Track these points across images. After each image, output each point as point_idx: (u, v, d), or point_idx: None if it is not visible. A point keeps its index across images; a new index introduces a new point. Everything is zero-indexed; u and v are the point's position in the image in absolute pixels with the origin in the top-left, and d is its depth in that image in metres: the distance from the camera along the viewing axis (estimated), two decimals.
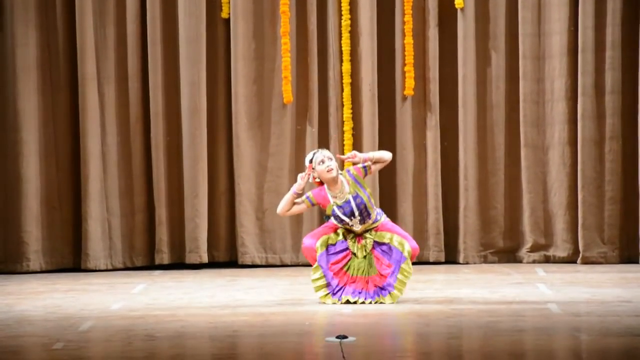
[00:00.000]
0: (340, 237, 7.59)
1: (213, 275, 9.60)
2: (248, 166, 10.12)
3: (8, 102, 9.94)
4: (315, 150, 7.64)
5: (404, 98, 10.17)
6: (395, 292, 7.50)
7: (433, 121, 10.16)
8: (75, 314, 7.18)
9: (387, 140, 10.16)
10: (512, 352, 5.81)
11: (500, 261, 10.14)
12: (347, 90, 10.09)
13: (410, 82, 10.12)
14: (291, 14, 10.06)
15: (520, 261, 10.12)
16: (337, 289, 7.52)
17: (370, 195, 7.58)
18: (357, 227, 7.57)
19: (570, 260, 10.05)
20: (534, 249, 10.10)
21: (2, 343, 6.12)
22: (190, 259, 10.05)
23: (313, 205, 7.60)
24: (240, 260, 10.11)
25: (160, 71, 10.04)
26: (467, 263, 10.11)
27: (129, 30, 10.03)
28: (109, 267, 10.02)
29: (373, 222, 7.62)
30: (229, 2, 10.09)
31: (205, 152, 10.07)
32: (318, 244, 7.56)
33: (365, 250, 7.58)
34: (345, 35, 10.07)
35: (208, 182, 10.09)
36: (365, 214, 7.55)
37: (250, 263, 10.10)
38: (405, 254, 7.53)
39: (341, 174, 7.61)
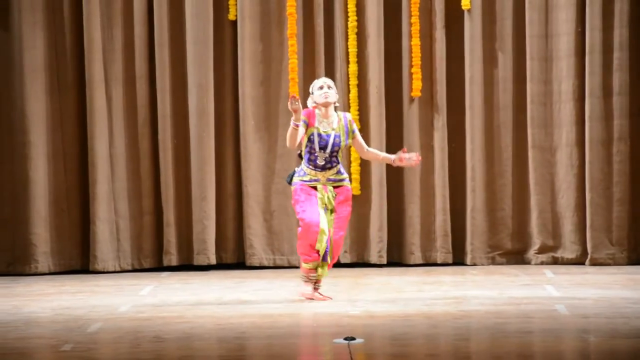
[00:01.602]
0: (320, 206, 7.79)
1: (221, 276, 9.61)
2: (255, 168, 10.12)
3: (16, 105, 9.96)
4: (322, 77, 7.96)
5: (411, 99, 10.17)
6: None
7: (440, 122, 10.15)
8: (84, 316, 7.19)
9: (394, 141, 10.16)
10: (520, 354, 5.81)
11: (508, 263, 10.13)
12: (353, 91, 10.10)
13: (417, 84, 10.12)
14: (298, 16, 10.07)
15: (528, 263, 10.11)
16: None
17: (347, 145, 7.90)
18: (321, 162, 7.79)
19: (579, 261, 10.03)
20: (541, 250, 10.09)
21: (11, 345, 6.13)
22: (198, 260, 10.06)
23: (307, 126, 7.83)
24: (248, 261, 10.11)
25: (168, 73, 10.06)
26: (474, 265, 10.11)
27: (137, 32, 10.05)
28: (117, 269, 10.03)
29: (337, 174, 7.84)
30: (236, 4, 10.10)
31: (212, 154, 10.08)
32: (321, 231, 7.66)
33: (330, 203, 7.79)
34: (352, 37, 10.07)
35: (216, 184, 10.10)
36: (334, 154, 7.83)
37: (257, 264, 10.10)
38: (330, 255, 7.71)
39: (338, 110, 7.92)
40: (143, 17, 10.05)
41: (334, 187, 7.86)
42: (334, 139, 7.82)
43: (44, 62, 9.94)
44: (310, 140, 7.83)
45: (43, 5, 9.95)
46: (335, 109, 7.94)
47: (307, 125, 7.83)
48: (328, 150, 7.82)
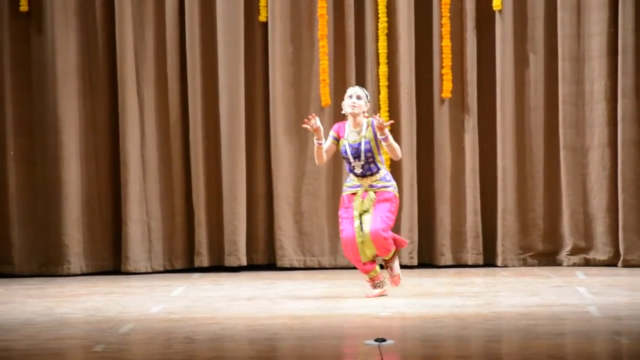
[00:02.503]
0: (357, 219, 7.91)
1: (252, 277, 9.63)
2: (286, 169, 10.14)
3: (48, 106, 10.02)
4: (354, 85, 8.13)
5: (442, 101, 10.15)
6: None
7: (471, 124, 10.13)
8: (115, 317, 7.23)
9: (424, 142, 10.15)
10: (551, 356, 5.78)
11: (539, 264, 10.08)
12: (383, 92, 10.09)
13: (448, 85, 10.10)
14: (328, 17, 10.07)
15: (559, 264, 10.06)
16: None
17: (381, 152, 7.98)
18: (358, 171, 7.92)
19: (611, 263, 9.98)
20: (573, 252, 10.04)
21: (43, 345, 6.17)
22: (229, 261, 10.08)
23: (337, 140, 8.01)
24: (278, 263, 10.13)
25: (199, 74, 10.09)
26: (505, 266, 10.07)
27: (168, 33, 10.09)
28: (149, 269, 10.07)
29: (380, 180, 7.94)
30: (267, 6, 10.12)
31: (243, 155, 10.11)
32: (358, 239, 7.84)
33: (363, 207, 7.91)
34: (382, 38, 10.06)
35: (246, 185, 10.12)
36: (370, 161, 7.92)
37: (288, 266, 10.11)
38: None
39: (367, 116, 8.02)
40: (174, 19, 10.09)
41: (379, 192, 7.97)
42: (365, 146, 7.94)
43: (76, 63, 10.00)
44: (343, 152, 8.00)
45: (75, 8, 10.01)
46: (364, 115, 8.04)
47: (338, 139, 8.02)
48: (362, 157, 7.95)
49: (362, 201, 7.95)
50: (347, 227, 7.92)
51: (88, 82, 10.09)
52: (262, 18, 10.15)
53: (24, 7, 9.99)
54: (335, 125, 8.11)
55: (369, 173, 7.97)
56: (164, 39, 10.08)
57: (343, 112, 8.10)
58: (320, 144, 7.96)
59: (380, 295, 8.02)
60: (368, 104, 8.06)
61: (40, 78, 10.03)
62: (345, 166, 8.11)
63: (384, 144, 7.92)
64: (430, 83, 10.15)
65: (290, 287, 8.85)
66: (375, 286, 8.06)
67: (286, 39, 10.11)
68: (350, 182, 8.05)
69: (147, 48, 10.06)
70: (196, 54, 10.06)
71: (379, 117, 7.95)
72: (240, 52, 10.07)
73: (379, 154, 8.01)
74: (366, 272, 8.01)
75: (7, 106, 10.00)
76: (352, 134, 7.99)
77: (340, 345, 6.23)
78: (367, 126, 7.99)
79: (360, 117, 8.00)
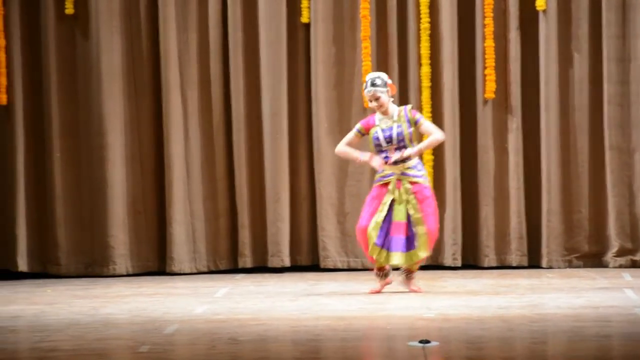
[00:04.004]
0: (386, 205, 8.00)
1: (295, 278, 9.64)
2: (329, 170, 10.14)
3: (93, 108, 10.10)
4: (367, 80, 8.13)
5: (485, 101, 10.11)
6: (413, 252, 8.04)
7: (515, 124, 10.08)
8: (160, 317, 7.26)
9: (468, 143, 10.11)
10: (597, 358, 5.74)
11: (585, 266, 10.01)
12: (426, 93, 10.06)
13: (491, 85, 10.05)
14: (371, 18, 10.07)
15: (605, 266, 9.98)
16: (384, 238, 7.98)
17: (412, 133, 8.07)
18: (392, 155, 7.98)
19: None
20: (620, 253, 9.96)
21: (89, 346, 6.22)
22: (272, 262, 10.10)
23: (362, 135, 8.12)
24: (322, 263, 10.13)
25: (242, 76, 10.12)
26: (550, 267, 10.01)
27: (211, 35, 10.13)
28: (193, 270, 10.12)
29: (412, 168, 8.03)
30: (309, 7, 10.13)
31: (286, 156, 10.12)
32: (370, 229, 8.01)
33: (401, 198, 7.99)
34: (424, 39, 10.04)
35: (289, 186, 10.14)
36: (402, 145, 8.00)
37: (332, 267, 10.12)
38: (417, 243, 7.99)
39: (394, 104, 8.13)
40: (217, 21, 10.13)
41: (411, 183, 8.02)
42: (397, 129, 8.01)
43: (121, 66, 10.07)
44: (375, 139, 8.04)
45: (120, 11, 10.07)
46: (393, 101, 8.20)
47: (364, 133, 8.12)
48: (394, 142, 8.02)
49: (399, 191, 8.00)
50: (365, 216, 8.04)
51: (132, 84, 10.15)
52: (304, 19, 10.16)
53: (69, 10, 10.07)
54: (364, 120, 8.18)
55: (401, 160, 8.02)
56: (207, 41, 10.13)
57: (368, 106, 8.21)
58: (358, 132, 8.13)
59: (385, 285, 8.16)
60: (388, 90, 8.11)
61: (86, 80, 10.11)
62: (379, 155, 8.12)
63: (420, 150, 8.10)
64: (473, 84, 10.11)
65: (334, 288, 8.85)
66: (381, 276, 8.14)
67: (328, 40, 10.11)
68: (383, 172, 8.09)
69: (191, 50, 10.11)
70: (239, 56, 10.10)
71: (393, 157, 8.01)
72: (283, 53, 10.09)
73: (411, 141, 8.07)
74: (374, 261, 8.10)
75: (53, 108, 10.09)
76: (384, 121, 8.07)
77: (383, 346, 6.22)
78: (399, 111, 8.08)
79: (386, 107, 8.07)
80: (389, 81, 8.18)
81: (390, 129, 8.02)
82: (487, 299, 7.96)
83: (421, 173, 8.12)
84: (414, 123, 8.07)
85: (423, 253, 8.05)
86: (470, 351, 5.95)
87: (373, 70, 10.06)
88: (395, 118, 8.06)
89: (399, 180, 8.04)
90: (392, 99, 8.16)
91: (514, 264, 10.03)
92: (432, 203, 8.09)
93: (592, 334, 6.39)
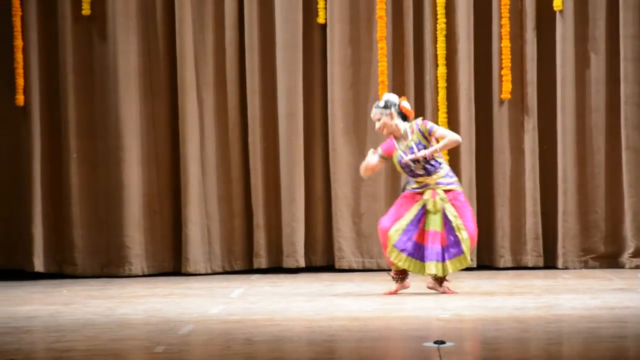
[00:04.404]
0: (414, 210, 7.97)
1: (310, 279, 9.64)
2: (344, 171, 10.14)
3: (110, 109, 10.13)
4: (384, 98, 8.11)
5: (501, 102, 10.09)
6: (449, 264, 7.98)
7: (531, 124, 10.06)
8: (175, 318, 7.28)
9: (484, 143, 10.09)
10: (613, 358, 5.72)
11: (601, 266, 9.98)
12: (442, 94, 10.05)
13: (507, 86, 10.04)
14: (387, 19, 10.06)
15: (622, 267, 9.95)
16: (415, 248, 7.96)
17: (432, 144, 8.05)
18: (421, 172, 7.98)
19: None
20: (636, 254, 9.92)
21: (105, 346, 6.24)
22: (287, 263, 10.11)
23: (384, 158, 8.12)
24: (337, 264, 10.13)
25: (258, 77, 10.13)
26: (566, 268, 9.98)
27: (227, 36, 10.14)
28: (209, 271, 10.14)
29: (445, 177, 8.00)
30: (326, 8, 10.13)
31: (302, 156, 10.13)
32: (392, 231, 7.96)
33: (437, 207, 7.96)
34: (441, 39, 10.03)
35: (305, 186, 10.14)
36: (428, 159, 7.96)
37: (347, 267, 10.12)
38: (464, 248, 7.92)
39: (405, 122, 8.07)
40: (234, 22, 10.15)
41: (446, 192, 8.02)
42: (418, 147, 7.99)
43: (137, 67, 10.10)
44: (401, 162, 8.05)
45: (137, 12, 10.10)
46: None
47: (386, 157, 8.13)
48: (420, 160, 7.99)
49: (434, 201, 7.98)
50: (389, 216, 8.04)
51: (149, 85, 10.17)
52: (320, 20, 10.17)
53: (86, 10, 10.10)
54: (384, 145, 8.15)
55: (432, 170, 8.02)
56: (224, 42, 10.14)
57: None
58: (381, 157, 8.11)
59: (402, 288, 8.15)
60: (391, 110, 8.03)
61: (102, 81, 10.14)
62: (408, 178, 8.13)
63: (438, 151, 8.02)
64: (490, 84, 10.09)
65: (349, 288, 8.85)
66: (398, 279, 8.15)
67: (345, 40, 10.11)
68: (414, 184, 8.08)
69: (207, 51, 10.13)
70: (255, 57, 10.11)
71: (409, 156, 7.98)
72: (299, 54, 10.09)
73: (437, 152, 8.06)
74: (393, 263, 8.09)
75: (70, 109, 10.12)
76: (401, 143, 8.06)
77: (399, 347, 6.22)
78: (412, 131, 8.04)
79: (395, 128, 8.04)
80: (405, 104, 8.08)
81: (411, 149, 8.00)
82: (503, 299, 7.95)
83: (453, 180, 8.10)
84: (429, 133, 8.04)
85: (470, 256, 8.06)
86: (486, 352, 5.94)
87: (389, 71, 10.06)
88: (411, 137, 8.04)
89: (433, 190, 8.03)
90: (395, 122, 8.04)
91: (530, 265, 10.01)
92: (469, 208, 8.09)
93: (607, 335, 6.37)
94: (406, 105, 8.10)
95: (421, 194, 8.04)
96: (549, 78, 10.06)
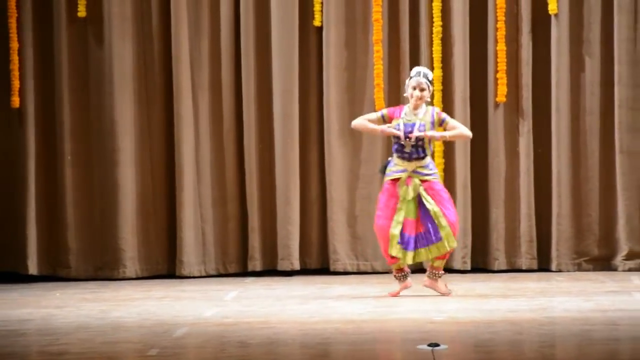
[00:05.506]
0: (403, 202, 8.02)
1: (305, 282, 9.65)
2: (340, 173, 10.14)
3: (105, 111, 10.13)
4: (419, 71, 8.23)
5: (497, 105, 10.10)
6: (423, 251, 8.06)
7: (526, 128, 10.07)
8: (170, 321, 7.28)
9: (479, 146, 10.10)
10: None
11: (594, 269, 9.99)
12: (438, 96, 10.06)
13: (502, 89, 10.05)
14: (383, 22, 10.07)
15: (615, 269, 9.96)
16: (406, 239, 8.03)
17: (431, 143, 8.12)
18: (407, 150, 8.00)
19: None
20: (629, 257, 9.94)
21: (98, 349, 6.24)
22: (282, 265, 10.11)
23: (384, 121, 8.16)
24: (331, 267, 10.13)
25: (253, 80, 10.14)
26: (560, 271, 9.99)
27: (223, 39, 10.14)
28: (203, 274, 10.13)
29: (425, 167, 8.04)
30: (322, 11, 10.14)
31: (297, 159, 10.13)
32: (392, 228, 8.02)
33: (409, 194, 8.00)
34: (437, 42, 10.03)
35: (300, 189, 10.15)
36: (420, 144, 8.03)
37: (342, 270, 10.12)
38: (442, 235, 8.00)
39: (429, 104, 8.22)
40: (230, 25, 10.15)
41: (422, 181, 8.07)
42: (419, 126, 8.05)
43: (132, 69, 10.10)
44: (404, 130, 8.08)
45: (132, 16, 10.10)
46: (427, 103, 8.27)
47: (386, 120, 8.16)
48: (413, 138, 8.04)
49: (407, 188, 8.00)
50: (384, 216, 8.07)
51: (144, 88, 10.17)
52: (316, 23, 10.17)
53: (81, 12, 10.10)
54: (391, 109, 8.26)
55: (415, 156, 8.08)
56: (219, 46, 10.14)
57: (405, 94, 8.24)
58: (382, 117, 8.19)
59: (404, 288, 8.17)
60: (431, 88, 8.22)
61: (98, 83, 10.14)
62: (393, 146, 8.17)
63: (448, 136, 8.15)
64: (485, 87, 10.10)
65: (343, 291, 8.86)
66: (400, 278, 8.17)
67: (341, 43, 10.12)
68: (394, 167, 8.12)
69: (203, 54, 10.13)
70: (251, 60, 10.11)
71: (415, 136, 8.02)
72: (295, 57, 10.09)
73: (429, 143, 8.12)
74: (391, 263, 8.14)
75: (65, 111, 10.12)
76: (410, 115, 8.13)
77: (393, 350, 6.22)
78: (426, 112, 8.14)
79: (422, 102, 8.17)
80: None
81: (413, 124, 8.07)
82: (497, 302, 7.96)
83: (433, 172, 8.14)
84: (440, 123, 8.14)
85: (452, 243, 8.07)
86: (480, 354, 5.94)
87: (385, 74, 10.06)
88: (421, 116, 8.12)
89: (409, 177, 8.07)
90: (428, 99, 8.23)
91: (524, 267, 10.02)
92: (445, 195, 8.12)
93: (600, 337, 6.38)
94: None
95: (398, 180, 8.06)
96: (544, 81, 10.07)
